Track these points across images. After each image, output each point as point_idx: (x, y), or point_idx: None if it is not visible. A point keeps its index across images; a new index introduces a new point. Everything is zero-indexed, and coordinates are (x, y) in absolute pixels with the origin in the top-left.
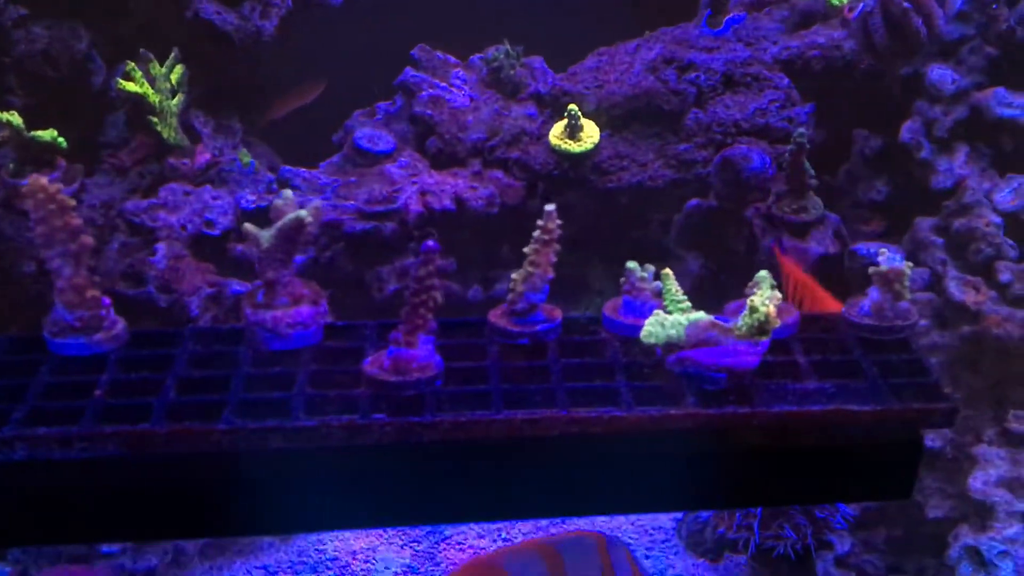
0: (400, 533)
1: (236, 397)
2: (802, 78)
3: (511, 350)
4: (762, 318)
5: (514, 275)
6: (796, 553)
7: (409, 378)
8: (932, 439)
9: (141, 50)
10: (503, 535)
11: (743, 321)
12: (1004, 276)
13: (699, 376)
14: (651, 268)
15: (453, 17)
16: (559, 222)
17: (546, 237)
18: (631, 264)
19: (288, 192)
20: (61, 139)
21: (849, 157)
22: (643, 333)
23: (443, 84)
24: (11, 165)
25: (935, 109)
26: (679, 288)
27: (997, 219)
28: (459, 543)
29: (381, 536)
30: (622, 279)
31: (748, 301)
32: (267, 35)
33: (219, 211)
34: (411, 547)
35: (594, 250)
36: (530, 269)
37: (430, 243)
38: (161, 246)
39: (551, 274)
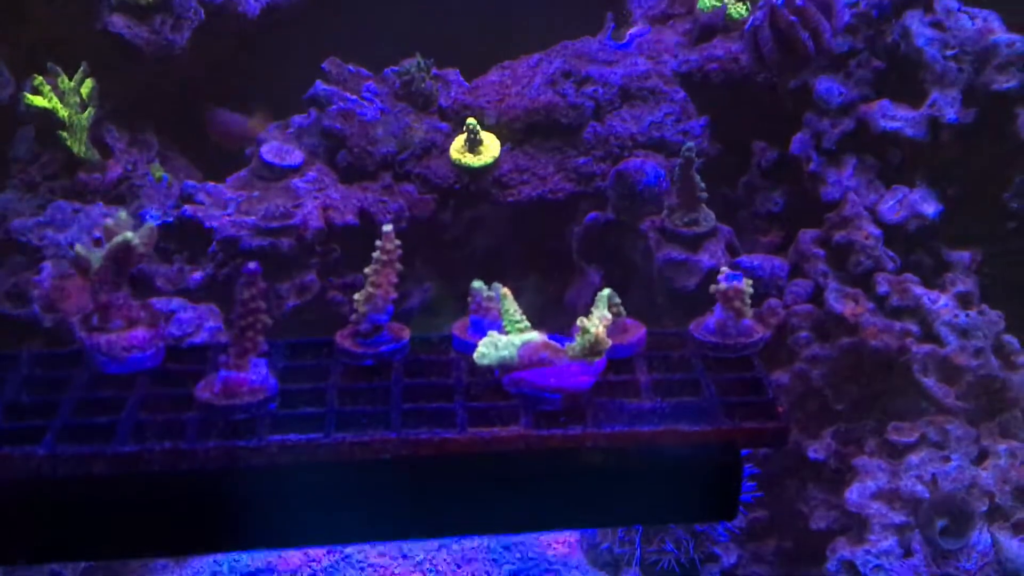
0: (302, 552)
1: (62, 422)
2: (702, 91)
3: (355, 371)
4: (593, 339)
5: (357, 296)
6: (681, 566)
7: (239, 402)
8: (815, 450)
9: (49, 64)
10: (404, 550)
11: (576, 342)
12: (882, 288)
13: (534, 397)
14: (498, 287)
15: (379, 29)
16: (398, 243)
17: (385, 258)
18: (476, 284)
19: (122, 213)
20: None
21: (747, 170)
22: (476, 354)
23: (354, 97)
24: None
25: (823, 122)
26: (517, 308)
27: (876, 231)
28: (359, 561)
29: (282, 556)
30: (469, 298)
31: (579, 322)
32: (179, 48)
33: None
34: (310, 566)
35: (510, 261)
36: (371, 290)
37: (251, 266)
38: (47, 265)
39: (394, 294)
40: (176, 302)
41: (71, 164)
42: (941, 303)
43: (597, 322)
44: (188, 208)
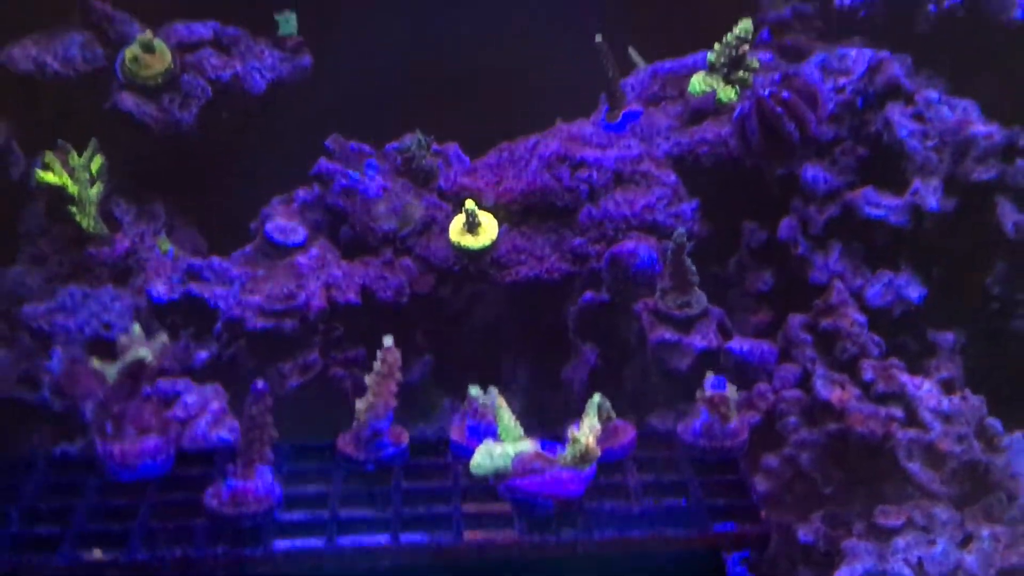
0: None
1: (77, 530)
2: (693, 172)
3: (356, 476)
4: (583, 449)
5: (359, 403)
6: None
7: (246, 510)
8: (805, 533)
9: (60, 141)
10: None
11: (567, 451)
12: (867, 375)
13: (528, 503)
14: (494, 393)
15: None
16: (398, 354)
17: (386, 370)
18: (473, 391)
19: (136, 328)
20: None
21: (738, 249)
22: (472, 464)
23: (356, 174)
24: None
25: (810, 208)
26: (511, 416)
27: (861, 319)
28: None
29: None
30: (464, 403)
31: (570, 433)
32: (186, 125)
33: (116, 313)
34: None
35: (508, 337)
36: (373, 399)
37: (259, 385)
38: (57, 351)
39: (394, 403)
40: (181, 384)
41: (80, 238)
42: (925, 389)
43: (587, 432)
44: (194, 286)
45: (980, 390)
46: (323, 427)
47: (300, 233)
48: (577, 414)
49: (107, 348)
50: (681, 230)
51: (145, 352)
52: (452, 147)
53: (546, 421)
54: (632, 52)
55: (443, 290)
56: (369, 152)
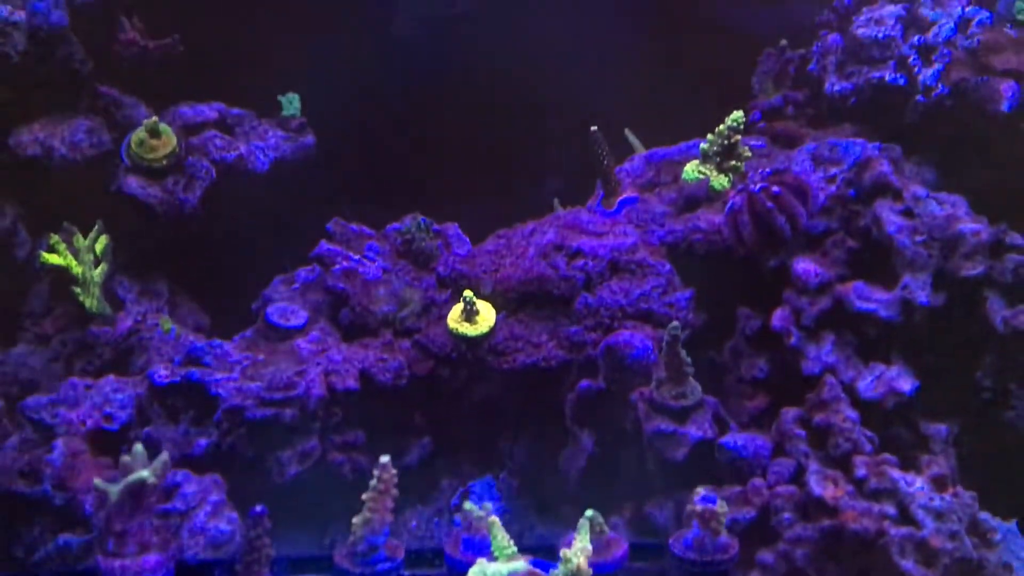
0: None
1: None
2: (687, 259)
3: None
4: (575, 569)
5: (355, 519)
6: None
7: None
8: None
9: (65, 223)
10: None
11: (560, 570)
12: (860, 472)
13: None
14: (489, 509)
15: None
16: (394, 472)
17: (382, 487)
18: (468, 505)
19: (138, 447)
20: None
21: (733, 334)
22: None
23: (357, 257)
24: None
25: (802, 300)
26: (505, 535)
27: (854, 415)
28: None
29: None
30: (460, 515)
31: (563, 553)
32: (190, 207)
33: (118, 405)
34: None
35: (505, 420)
36: (369, 515)
37: (257, 509)
38: (59, 443)
39: (390, 518)
40: (181, 475)
41: (83, 318)
42: (917, 487)
43: (579, 553)
44: (195, 371)
45: (973, 479)
46: (321, 513)
47: (301, 316)
48: (574, 501)
49: (108, 440)
50: (676, 323)
51: (147, 474)
52: (452, 227)
53: (543, 502)
54: (628, 134)
55: (442, 371)
56: (370, 234)
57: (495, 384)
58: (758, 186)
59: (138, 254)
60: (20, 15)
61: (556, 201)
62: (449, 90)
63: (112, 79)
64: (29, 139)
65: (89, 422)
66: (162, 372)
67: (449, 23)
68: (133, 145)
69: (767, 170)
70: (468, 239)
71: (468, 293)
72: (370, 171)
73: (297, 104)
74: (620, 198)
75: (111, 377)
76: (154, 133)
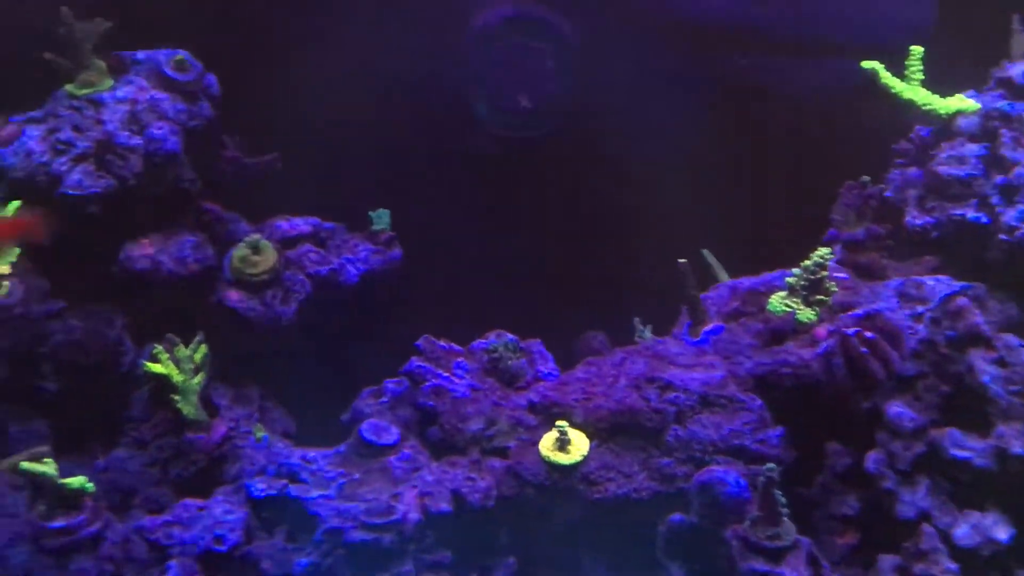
0: None
1: None
2: (775, 393)
3: None
4: None
5: None
6: None
7: None
8: None
9: (168, 335)
10: None
11: None
12: None
13: None
14: None
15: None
16: None
17: None
18: None
19: None
20: (89, 485)
21: (822, 468)
22: None
23: (446, 375)
24: (42, 508)
25: (896, 443)
26: None
27: (953, 567)
28: None
29: None
30: None
31: None
32: (287, 320)
33: (228, 527)
34: None
35: (589, 544)
36: None
37: None
38: (173, 564)
39: None
40: None
41: (180, 424)
42: None
43: None
44: (292, 488)
45: None
46: None
47: (393, 433)
48: None
49: (218, 561)
50: (772, 465)
51: None
52: (536, 344)
53: None
54: (706, 254)
55: (528, 493)
56: (458, 351)
57: (581, 508)
58: (851, 330)
59: (232, 362)
60: (137, 140)
61: (637, 320)
62: (529, 204)
63: (214, 195)
64: (139, 254)
65: (201, 544)
66: (259, 485)
67: (531, 141)
68: (235, 260)
69: (859, 312)
70: (551, 356)
71: (562, 423)
72: (449, 284)
73: (387, 219)
74: (706, 328)
75: (220, 498)
76: (256, 250)
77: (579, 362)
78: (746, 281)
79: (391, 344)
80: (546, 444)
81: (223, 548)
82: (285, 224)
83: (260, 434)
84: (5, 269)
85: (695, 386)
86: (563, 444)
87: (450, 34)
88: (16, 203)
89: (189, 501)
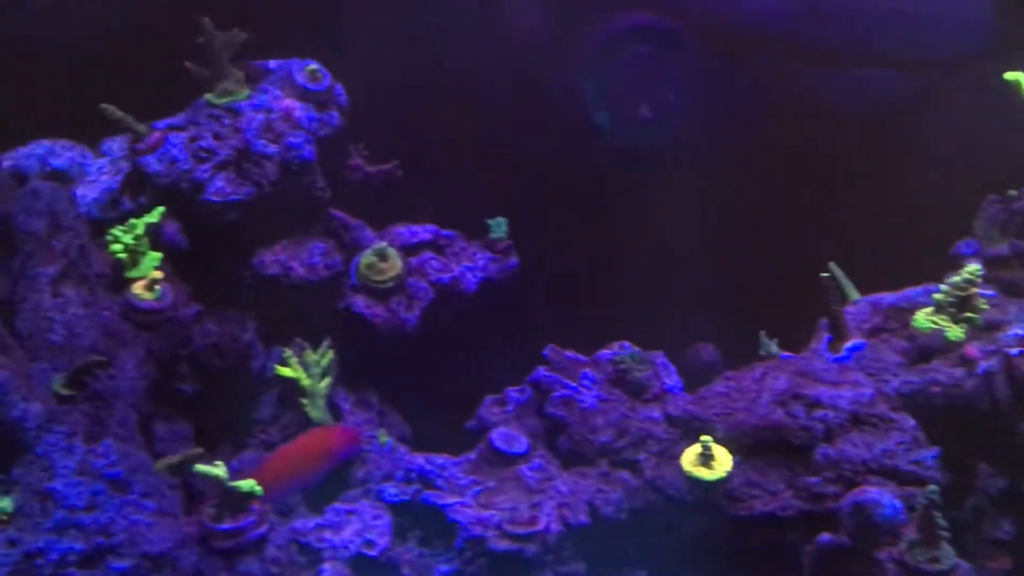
0: None
1: None
2: (924, 413)
3: None
4: None
5: None
6: None
7: None
8: None
9: (297, 339)
10: None
11: None
12: None
13: None
14: None
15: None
16: None
17: None
18: None
19: None
20: (258, 488)
21: (973, 490)
22: None
23: (574, 385)
24: (211, 510)
25: None
26: None
27: None
28: None
29: None
30: None
31: None
32: (411, 327)
33: (378, 532)
34: None
35: (723, 559)
36: None
37: None
38: (326, 567)
39: None
40: None
41: (306, 426)
42: None
43: None
44: (429, 494)
45: None
46: None
47: (523, 443)
48: None
49: (367, 566)
50: (935, 487)
51: None
52: (659, 355)
53: None
54: (833, 268)
55: (658, 506)
56: (583, 361)
57: (713, 523)
58: (1015, 351)
59: (355, 367)
60: (273, 148)
61: (763, 334)
62: (645, 214)
63: (340, 202)
64: (271, 259)
65: (352, 548)
66: (392, 490)
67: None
68: (362, 267)
69: (1019, 331)
70: (674, 368)
71: (707, 438)
72: (562, 293)
73: (504, 227)
74: (847, 344)
75: (366, 503)
76: (383, 257)
77: (691, 373)
78: (887, 297)
79: (505, 352)
80: (688, 459)
81: (374, 553)
82: (405, 231)
83: (384, 439)
84: (159, 274)
85: (844, 404)
86: (706, 459)
87: (570, 42)
88: (161, 209)
89: (339, 505)
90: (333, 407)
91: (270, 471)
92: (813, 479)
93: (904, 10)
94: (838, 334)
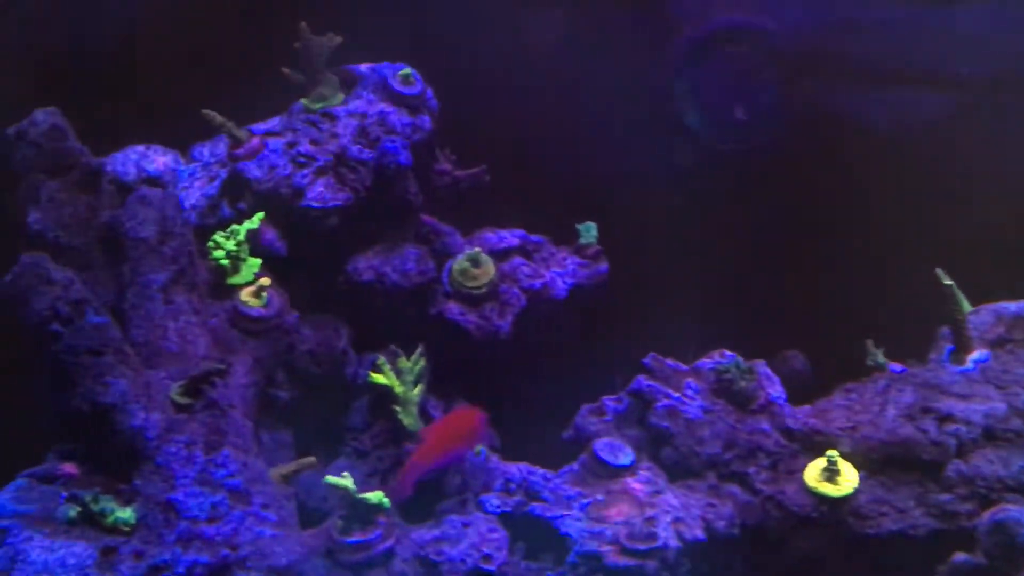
0: None
1: None
2: None
3: None
4: None
5: None
6: None
7: None
8: None
9: (392, 346)
10: None
11: None
12: None
13: None
14: None
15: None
16: None
17: None
18: None
19: None
20: (386, 500)
21: None
22: None
23: (677, 395)
24: (339, 523)
25: None
26: None
27: None
28: None
29: None
30: None
31: None
32: (503, 333)
33: (495, 545)
34: None
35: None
36: None
37: None
38: None
39: None
40: None
41: (398, 434)
42: None
43: None
44: (535, 506)
45: None
46: None
47: (628, 454)
48: None
49: None
50: None
51: None
52: (760, 364)
53: None
54: (940, 273)
55: (769, 523)
56: (685, 371)
57: (820, 539)
58: None
59: (444, 374)
60: (368, 153)
61: (869, 343)
62: (736, 219)
63: (430, 208)
64: (365, 266)
65: (469, 561)
66: (494, 501)
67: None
68: (455, 273)
69: None
70: (777, 378)
71: (833, 453)
72: (653, 299)
73: (594, 232)
74: (971, 356)
75: (480, 516)
76: (476, 263)
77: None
78: (1012, 306)
79: (594, 359)
80: (812, 475)
81: (491, 567)
82: (494, 237)
83: (478, 448)
84: (267, 280)
85: (977, 418)
86: (831, 475)
87: (661, 44)
88: (261, 215)
89: (455, 517)
90: (424, 414)
91: (426, 450)
92: (945, 496)
93: (942, 27)
94: (961, 344)
